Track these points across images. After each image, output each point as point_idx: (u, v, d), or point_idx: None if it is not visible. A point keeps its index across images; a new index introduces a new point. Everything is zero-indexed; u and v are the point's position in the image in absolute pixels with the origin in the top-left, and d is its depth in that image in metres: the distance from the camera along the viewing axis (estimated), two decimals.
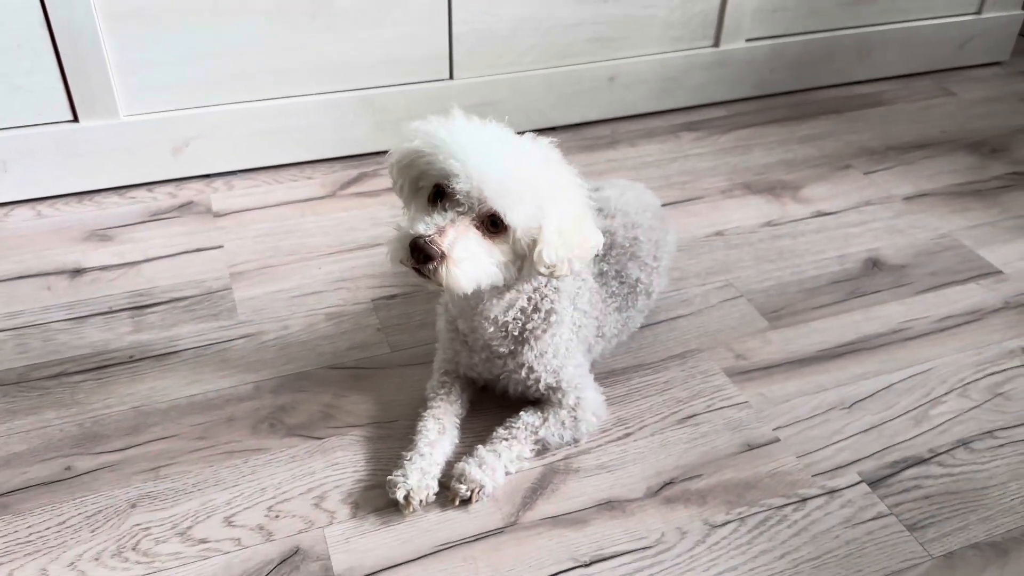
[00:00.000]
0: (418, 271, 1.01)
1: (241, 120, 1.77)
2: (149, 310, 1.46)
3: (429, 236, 0.99)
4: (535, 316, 1.15)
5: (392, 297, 1.51)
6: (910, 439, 1.25)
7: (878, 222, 1.73)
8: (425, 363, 1.36)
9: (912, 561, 1.09)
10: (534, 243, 1.03)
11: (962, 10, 2.27)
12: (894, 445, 1.24)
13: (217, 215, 1.71)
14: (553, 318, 1.16)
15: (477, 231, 1.01)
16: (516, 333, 1.16)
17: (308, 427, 1.25)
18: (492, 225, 1.02)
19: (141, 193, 1.76)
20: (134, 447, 1.21)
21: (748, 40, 2.09)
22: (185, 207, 1.73)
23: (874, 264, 1.61)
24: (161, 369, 1.34)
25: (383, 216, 1.72)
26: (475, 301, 1.12)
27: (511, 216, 1.00)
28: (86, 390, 1.30)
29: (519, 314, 1.14)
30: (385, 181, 1.82)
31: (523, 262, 1.06)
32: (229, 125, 1.77)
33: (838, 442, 1.25)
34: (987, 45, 2.34)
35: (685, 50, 2.05)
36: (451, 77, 1.88)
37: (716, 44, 2.07)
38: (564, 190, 1.04)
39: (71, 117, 1.67)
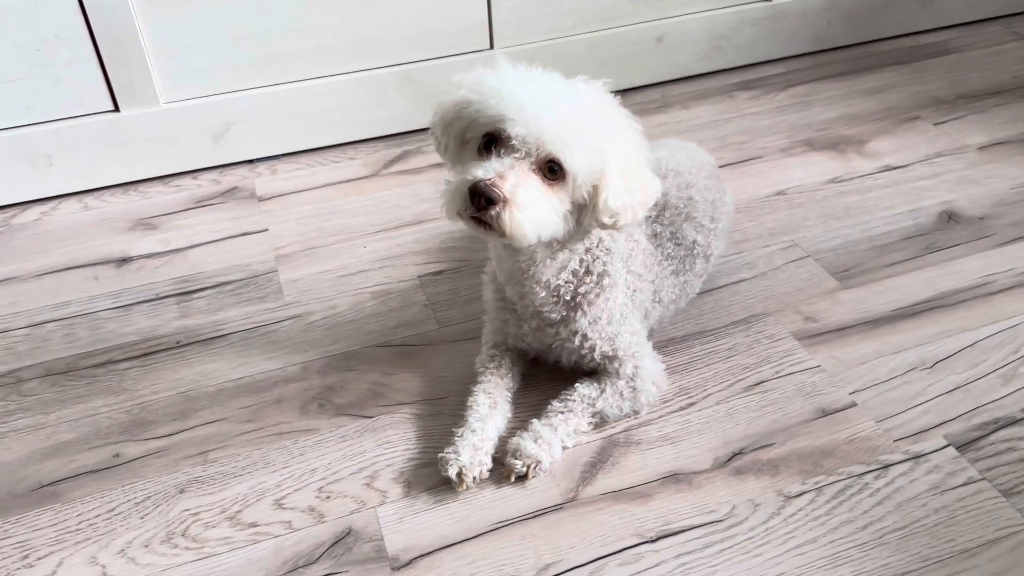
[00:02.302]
0: (477, 221, 0.95)
1: (280, 103, 1.74)
2: (195, 295, 1.44)
3: (490, 179, 0.93)
4: (587, 279, 1.09)
5: (439, 273, 1.46)
6: (1000, 399, 1.16)
7: (951, 173, 1.62)
8: (474, 338, 1.30)
9: (1009, 529, 1.00)
10: (595, 191, 0.97)
11: None
12: (983, 406, 1.15)
13: (261, 199, 1.68)
14: (606, 281, 1.10)
15: (536, 177, 0.95)
16: (568, 298, 1.10)
17: (357, 406, 1.21)
18: (550, 172, 0.96)
19: (186, 181, 1.75)
20: (182, 432, 1.19)
21: None
22: (229, 193, 1.71)
23: (949, 217, 1.50)
24: (208, 353, 1.32)
25: (427, 193, 1.67)
26: (526, 263, 1.06)
27: (571, 161, 0.94)
28: (134, 377, 1.28)
29: (571, 277, 1.08)
30: (429, 157, 1.77)
31: (581, 214, 1.00)
32: (268, 108, 1.74)
33: (921, 404, 1.16)
34: None
35: (735, 5, 1.95)
36: (491, 47, 1.82)
37: None
38: (622, 132, 0.99)
39: (112, 107, 1.66)
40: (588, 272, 1.09)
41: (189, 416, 1.21)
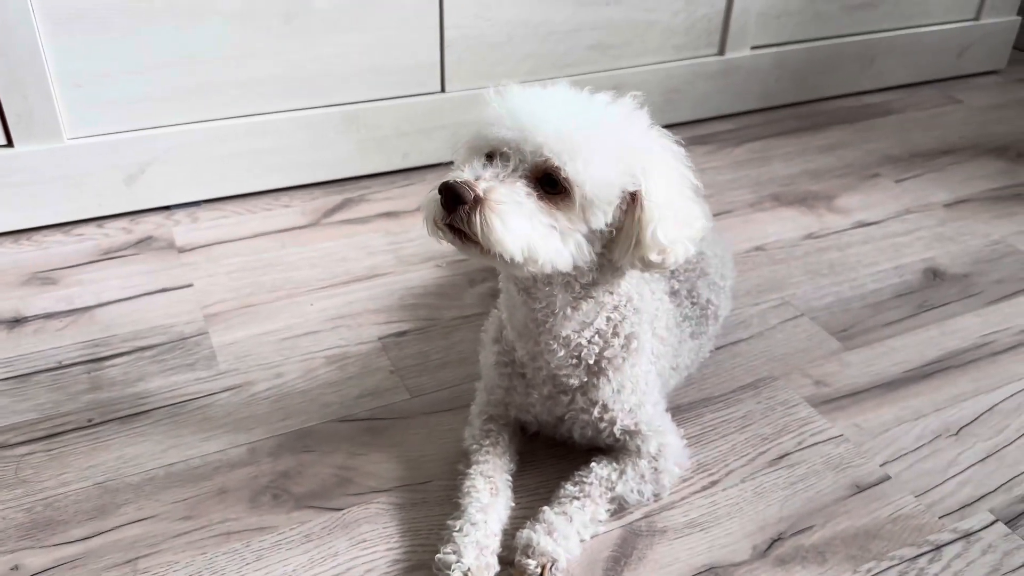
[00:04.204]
0: (456, 232, 0.81)
1: (206, 142, 1.53)
2: (108, 363, 1.20)
3: (460, 178, 0.79)
4: (614, 341, 0.93)
5: (402, 334, 1.28)
6: None
7: (924, 230, 1.58)
8: (453, 409, 1.13)
9: None
10: (636, 222, 0.83)
11: (961, 16, 2.17)
12: (1020, 475, 1.06)
13: (182, 250, 1.46)
14: (634, 345, 0.95)
15: (525, 186, 0.81)
16: (591, 361, 0.94)
17: (321, 496, 1.00)
18: (549, 185, 0.81)
19: (89, 229, 1.50)
20: (101, 534, 0.95)
21: (753, 48, 1.95)
22: (143, 243, 1.48)
23: (935, 274, 1.45)
24: (129, 434, 1.08)
25: (378, 244, 1.49)
26: (543, 313, 0.90)
27: (572, 167, 0.79)
28: (34, 464, 1.03)
29: (596, 337, 0.92)
30: (375, 206, 1.60)
31: (610, 248, 0.86)
32: (191, 148, 1.53)
33: (956, 475, 1.06)
34: (985, 52, 2.25)
35: (689, 59, 1.89)
36: (443, 89, 1.68)
37: (721, 52, 1.92)
38: (660, 152, 0.85)
39: (4, 141, 1.41)
40: (615, 334, 0.93)
41: (109, 513, 0.97)
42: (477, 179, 0.79)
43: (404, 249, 1.48)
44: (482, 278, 1.40)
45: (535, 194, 0.81)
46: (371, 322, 1.30)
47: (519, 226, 0.79)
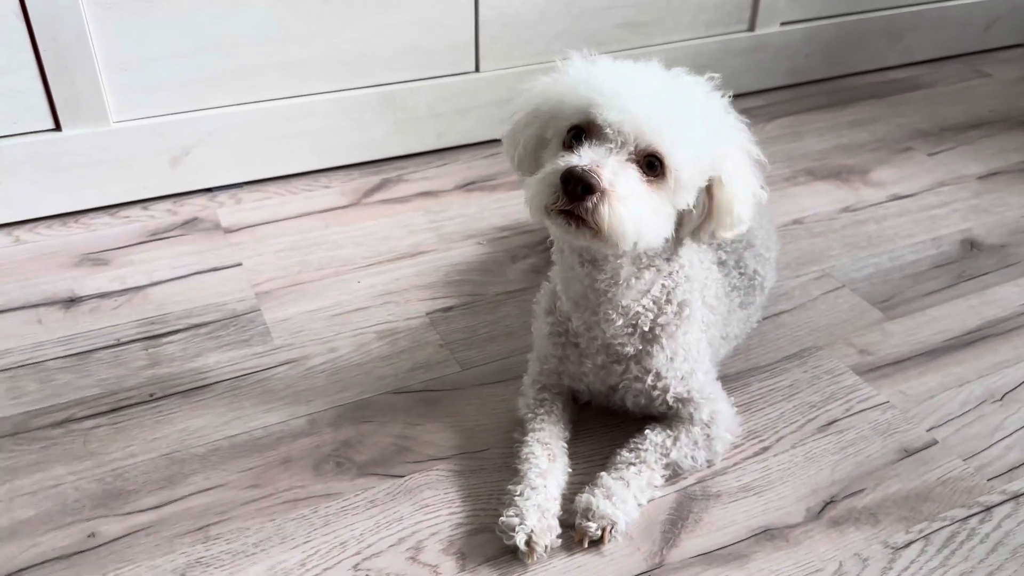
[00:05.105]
0: (568, 217, 0.81)
1: (248, 124, 1.55)
2: (165, 339, 1.23)
3: (586, 165, 0.79)
4: (667, 308, 0.95)
5: (448, 309, 1.30)
6: None
7: (959, 202, 1.59)
8: (504, 381, 1.16)
9: None
10: (709, 198, 0.86)
11: None
12: None
13: (228, 231, 1.48)
14: (686, 312, 0.97)
15: (635, 170, 0.82)
16: (646, 329, 0.96)
17: (383, 464, 1.03)
18: (648, 168, 0.83)
19: (135, 211, 1.53)
20: (172, 503, 0.98)
21: (783, 24, 1.95)
22: (189, 224, 1.50)
23: (972, 245, 1.46)
24: (191, 407, 1.11)
25: (418, 223, 1.51)
26: (607, 284, 0.92)
27: (675, 154, 0.81)
28: (101, 437, 1.06)
29: (651, 304, 0.94)
30: (413, 186, 1.62)
31: (679, 224, 0.88)
32: (235, 130, 1.55)
33: (1002, 439, 1.08)
34: (1012, 26, 2.24)
35: (720, 35, 1.90)
36: (477, 69, 1.69)
37: (751, 28, 1.92)
38: (735, 131, 0.88)
39: (52, 125, 1.44)
40: (668, 300, 0.95)
41: (178, 483, 1.00)
42: (597, 164, 0.80)
43: (445, 227, 1.50)
44: (524, 255, 1.42)
45: (642, 179, 0.83)
46: (418, 298, 1.32)
47: (638, 215, 0.81)
